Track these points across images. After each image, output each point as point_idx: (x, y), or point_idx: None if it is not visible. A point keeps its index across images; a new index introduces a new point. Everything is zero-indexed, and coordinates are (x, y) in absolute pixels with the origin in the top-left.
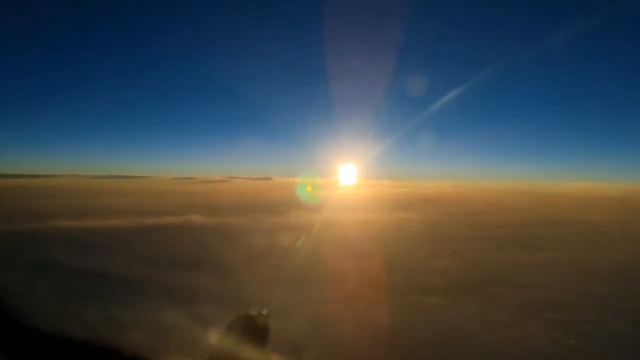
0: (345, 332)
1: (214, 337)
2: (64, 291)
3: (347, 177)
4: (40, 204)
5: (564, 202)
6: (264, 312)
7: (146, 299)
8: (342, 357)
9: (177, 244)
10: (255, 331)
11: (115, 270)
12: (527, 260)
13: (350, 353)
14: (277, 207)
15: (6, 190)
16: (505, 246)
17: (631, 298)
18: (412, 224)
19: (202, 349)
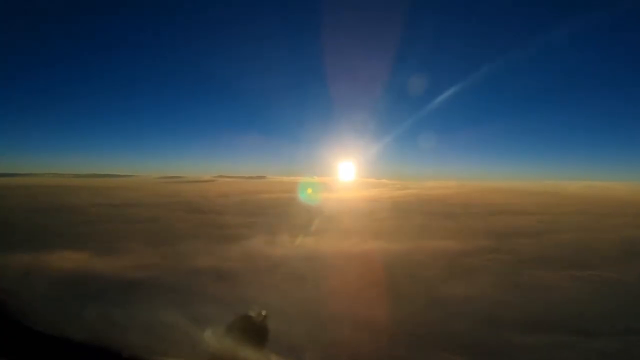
0: None
1: (213, 338)
2: None
3: (346, 175)
4: None
5: (578, 203)
6: (263, 313)
7: None
8: None
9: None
10: (254, 332)
11: None
12: (576, 284)
13: None
14: (251, 217)
15: None
16: (545, 264)
17: None
18: (436, 249)
19: (202, 349)
